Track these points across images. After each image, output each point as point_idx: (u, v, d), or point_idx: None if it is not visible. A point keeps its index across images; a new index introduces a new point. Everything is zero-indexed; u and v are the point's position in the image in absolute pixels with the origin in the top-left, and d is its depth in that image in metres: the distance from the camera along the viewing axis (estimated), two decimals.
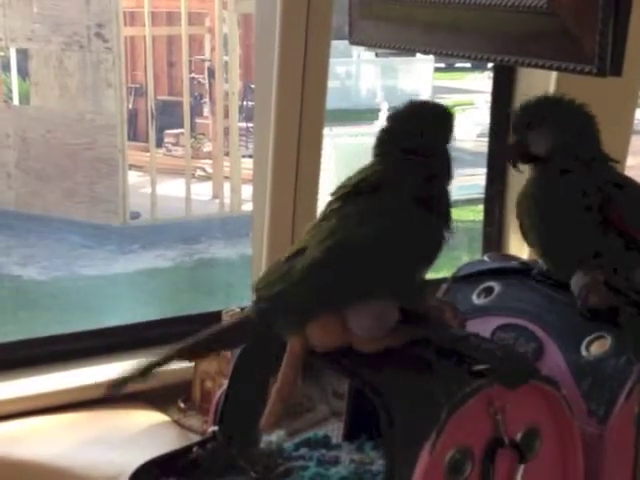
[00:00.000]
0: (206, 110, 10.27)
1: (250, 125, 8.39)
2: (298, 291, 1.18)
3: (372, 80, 13.87)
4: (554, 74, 2.00)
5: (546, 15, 1.11)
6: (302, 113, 2.00)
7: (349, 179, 1.26)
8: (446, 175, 1.27)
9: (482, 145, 2.68)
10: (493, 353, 1.17)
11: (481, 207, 2.47)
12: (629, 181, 1.42)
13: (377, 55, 12.94)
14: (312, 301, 1.19)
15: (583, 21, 1.07)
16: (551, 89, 2.08)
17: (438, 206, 1.24)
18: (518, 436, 1.17)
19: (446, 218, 1.25)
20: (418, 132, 1.24)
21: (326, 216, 1.24)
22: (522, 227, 1.46)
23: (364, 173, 1.25)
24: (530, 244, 1.47)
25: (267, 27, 1.96)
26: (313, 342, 1.20)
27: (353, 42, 1.55)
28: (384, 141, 1.27)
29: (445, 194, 1.26)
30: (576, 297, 1.37)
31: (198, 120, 10.13)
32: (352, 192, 1.23)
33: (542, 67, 1.15)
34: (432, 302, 1.28)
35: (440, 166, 1.26)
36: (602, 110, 1.42)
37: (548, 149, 1.37)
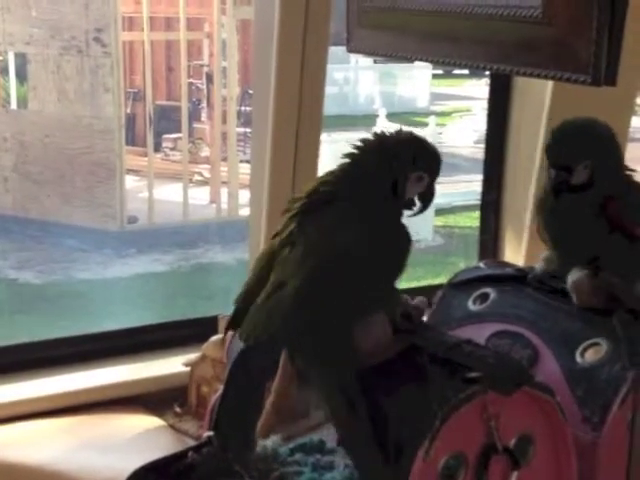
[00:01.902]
0: (204, 115, 10.28)
1: (248, 130, 8.39)
2: (290, 327, 1.17)
3: (370, 86, 13.88)
4: (550, 82, 2.01)
5: (541, 24, 1.11)
6: (299, 119, 2.01)
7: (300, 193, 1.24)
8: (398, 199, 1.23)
9: (479, 152, 2.69)
10: (486, 360, 1.17)
11: (478, 214, 2.47)
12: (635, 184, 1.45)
13: (375, 61, 12.96)
14: (305, 334, 1.17)
15: (578, 31, 1.07)
16: (547, 97, 2.09)
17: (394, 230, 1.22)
18: (512, 442, 1.18)
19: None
20: (386, 156, 1.22)
21: (287, 240, 1.20)
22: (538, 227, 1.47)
23: (314, 183, 1.24)
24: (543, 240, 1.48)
25: (265, 33, 1.97)
26: None
27: (351, 50, 1.56)
28: (344, 161, 1.25)
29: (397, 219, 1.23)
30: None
31: (196, 125, 10.13)
32: (307, 207, 1.21)
33: (537, 76, 1.16)
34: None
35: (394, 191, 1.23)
36: (598, 117, 1.43)
37: (586, 180, 1.39)
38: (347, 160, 1.25)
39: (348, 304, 1.17)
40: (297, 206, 1.22)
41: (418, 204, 1.25)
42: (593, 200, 1.40)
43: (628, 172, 1.45)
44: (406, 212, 1.24)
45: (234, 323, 1.24)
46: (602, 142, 1.40)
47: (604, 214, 1.38)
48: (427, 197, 1.26)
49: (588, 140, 1.39)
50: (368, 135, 1.27)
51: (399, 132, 1.26)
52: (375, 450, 1.13)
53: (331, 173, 1.25)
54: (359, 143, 1.25)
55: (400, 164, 1.22)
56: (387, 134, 1.25)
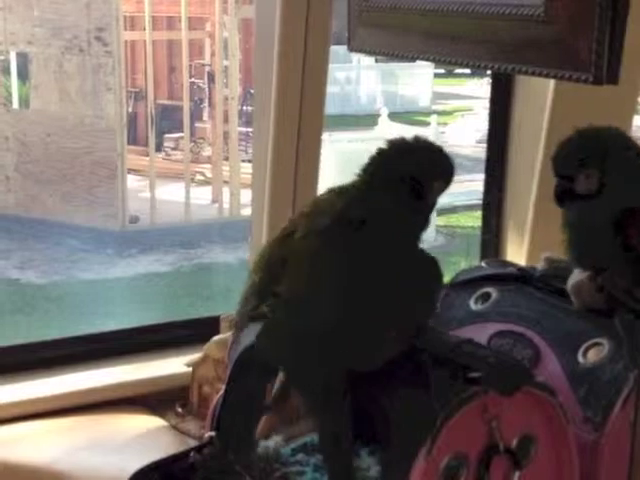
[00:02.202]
0: (206, 114, 10.29)
1: (250, 130, 8.40)
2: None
3: (372, 86, 13.90)
4: (552, 81, 2.00)
5: (543, 23, 1.11)
6: (301, 118, 2.01)
7: (329, 204, 1.20)
8: (422, 224, 1.23)
9: (481, 151, 2.68)
10: (487, 360, 1.17)
11: (480, 213, 2.47)
12: None
13: (377, 61, 12.97)
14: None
15: (579, 29, 1.07)
16: (549, 96, 2.08)
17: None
18: (513, 442, 1.17)
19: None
20: (409, 169, 1.20)
21: (315, 252, 1.17)
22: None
23: (344, 202, 1.19)
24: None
25: (267, 32, 1.97)
26: None
27: (352, 49, 1.56)
28: (373, 166, 1.23)
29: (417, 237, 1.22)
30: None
31: (198, 124, 10.15)
32: (337, 223, 1.17)
33: (539, 75, 1.16)
34: None
35: (419, 213, 1.22)
36: (600, 116, 1.42)
37: (595, 187, 1.37)
38: (371, 171, 1.22)
39: (376, 341, 1.15)
40: (322, 225, 1.18)
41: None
42: (603, 210, 1.37)
43: None
44: None
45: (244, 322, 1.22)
46: (607, 150, 1.38)
47: (621, 229, 1.36)
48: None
49: (590, 148, 1.38)
50: (386, 144, 1.24)
51: (418, 139, 1.25)
52: (346, 454, 1.14)
53: (354, 188, 1.21)
54: (383, 154, 1.23)
55: (423, 174, 1.21)
56: (407, 141, 1.24)
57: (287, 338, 1.15)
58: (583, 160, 1.37)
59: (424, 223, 1.23)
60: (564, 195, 1.39)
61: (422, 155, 1.23)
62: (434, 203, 1.25)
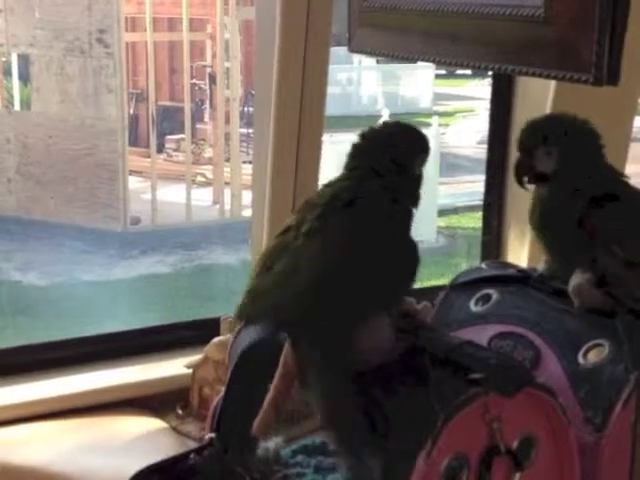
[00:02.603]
0: (207, 116, 10.29)
1: (251, 131, 8.40)
2: (301, 313, 1.17)
3: (373, 87, 13.89)
4: (553, 82, 2.00)
5: (543, 24, 1.11)
6: (301, 119, 2.01)
7: (319, 196, 1.24)
8: (411, 198, 1.26)
9: (482, 152, 2.68)
10: (488, 361, 1.17)
11: (481, 214, 2.47)
12: (626, 193, 1.42)
13: (378, 62, 12.96)
14: (315, 323, 1.17)
15: (580, 30, 1.07)
16: (550, 97, 2.08)
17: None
18: (514, 444, 1.17)
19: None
20: (388, 151, 1.24)
21: (302, 233, 1.20)
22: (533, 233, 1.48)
23: (334, 189, 1.23)
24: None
25: (267, 33, 1.97)
26: None
27: (352, 50, 1.56)
28: (354, 156, 1.27)
29: (409, 216, 1.25)
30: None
31: (199, 126, 10.15)
32: (324, 210, 1.21)
33: (539, 76, 1.16)
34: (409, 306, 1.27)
35: (406, 188, 1.25)
36: (601, 117, 1.43)
37: (554, 168, 1.38)
38: (358, 158, 1.25)
39: (360, 302, 1.17)
40: (316, 211, 1.21)
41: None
42: (560, 194, 1.39)
43: (620, 177, 1.42)
44: None
45: (242, 312, 1.23)
46: (569, 132, 1.38)
47: (584, 221, 1.37)
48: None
49: (552, 127, 1.40)
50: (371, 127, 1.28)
51: (398, 124, 1.29)
52: (365, 450, 1.14)
53: (346, 177, 1.25)
54: (363, 139, 1.27)
55: (406, 154, 1.25)
56: (389, 124, 1.28)
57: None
58: (545, 136, 1.38)
59: (415, 198, 1.27)
60: (522, 170, 1.42)
61: (398, 136, 1.27)
62: (420, 175, 1.28)
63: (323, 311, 1.17)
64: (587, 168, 1.39)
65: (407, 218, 1.24)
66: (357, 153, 1.27)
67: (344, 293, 1.17)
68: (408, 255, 1.21)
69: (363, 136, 1.28)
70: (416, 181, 1.27)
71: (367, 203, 1.20)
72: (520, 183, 1.44)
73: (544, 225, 1.43)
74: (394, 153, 1.24)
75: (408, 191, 1.26)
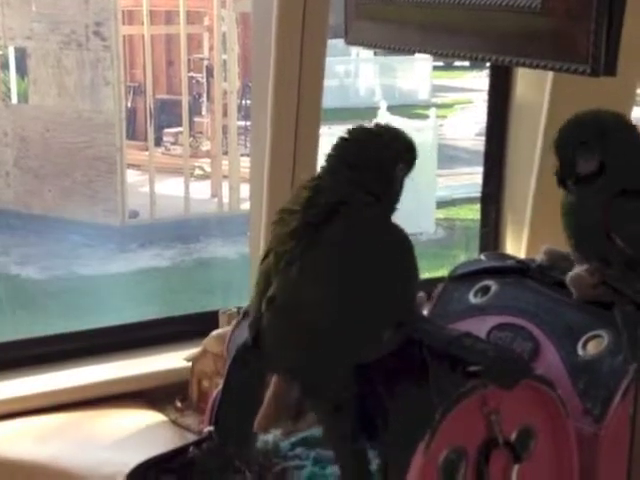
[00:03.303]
0: (204, 109, 10.27)
1: (249, 124, 8.39)
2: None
3: (371, 79, 13.87)
4: (551, 73, 2.00)
5: (540, 15, 1.11)
6: (299, 112, 2.00)
7: (294, 204, 1.20)
8: (390, 199, 1.23)
9: (480, 144, 2.68)
10: (487, 353, 1.17)
11: (479, 206, 2.47)
12: None
13: (376, 54, 12.94)
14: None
15: (577, 21, 1.07)
16: (547, 88, 2.08)
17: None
18: (513, 436, 1.17)
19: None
20: (370, 161, 1.21)
21: (285, 258, 1.16)
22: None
23: (310, 195, 1.20)
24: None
25: (264, 26, 1.96)
26: None
27: (349, 42, 1.55)
28: (333, 158, 1.23)
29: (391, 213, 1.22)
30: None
31: (197, 119, 10.12)
32: (305, 222, 1.17)
33: (536, 67, 1.15)
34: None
35: (385, 189, 1.22)
36: (599, 108, 1.42)
37: (594, 170, 1.38)
38: (336, 158, 1.22)
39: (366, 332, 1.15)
40: (294, 222, 1.18)
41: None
42: (602, 192, 1.38)
43: None
44: None
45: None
46: (606, 130, 1.38)
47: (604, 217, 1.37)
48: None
49: (589, 129, 1.38)
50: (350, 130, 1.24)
51: (380, 126, 1.25)
52: (353, 452, 1.15)
53: (320, 178, 1.22)
54: (346, 142, 1.23)
55: (390, 159, 1.22)
56: (371, 130, 1.24)
57: (288, 343, 1.15)
58: (583, 141, 1.37)
59: (393, 206, 1.23)
60: (565, 176, 1.39)
61: (384, 142, 1.23)
62: (403, 177, 1.24)
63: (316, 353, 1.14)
64: (628, 166, 1.38)
65: (389, 216, 1.21)
66: (338, 156, 1.23)
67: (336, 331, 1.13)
68: (403, 256, 1.18)
69: (346, 139, 1.24)
70: (398, 184, 1.24)
71: (351, 211, 1.16)
72: (563, 186, 1.42)
73: (575, 220, 1.42)
74: (376, 163, 1.21)
75: (389, 192, 1.22)
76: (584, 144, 1.37)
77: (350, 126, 1.25)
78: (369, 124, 1.26)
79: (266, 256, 1.20)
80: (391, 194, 1.23)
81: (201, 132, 10.03)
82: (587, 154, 1.37)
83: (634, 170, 1.39)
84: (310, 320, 1.13)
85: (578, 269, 1.41)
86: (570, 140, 1.39)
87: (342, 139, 1.24)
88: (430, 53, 1.39)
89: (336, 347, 1.13)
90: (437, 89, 13.98)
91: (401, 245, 1.18)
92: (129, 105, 9.90)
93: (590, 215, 1.38)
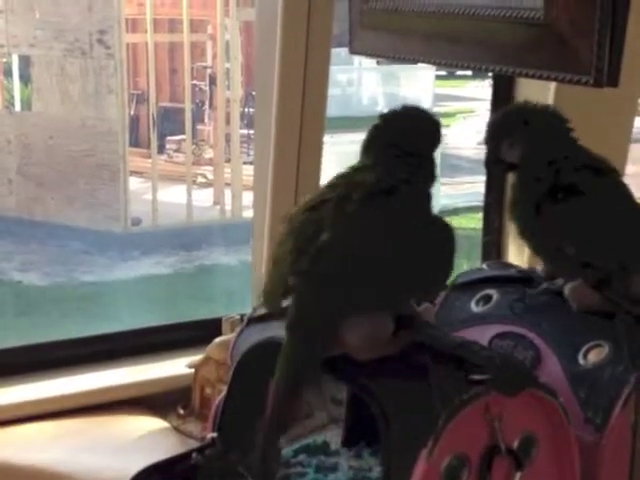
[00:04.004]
0: (207, 117, 10.29)
1: (252, 132, 8.39)
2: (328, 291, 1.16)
3: (373, 88, 13.88)
4: (553, 83, 2.00)
5: (542, 26, 1.12)
6: (302, 120, 2.01)
7: (357, 177, 1.22)
8: (432, 179, 1.28)
9: (482, 153, 2.68)
10: (491, 360, 1.17)
11: (481, 215, 2.47)
12: (593, 187, 1.41)
13: (378, 63, 12.96)
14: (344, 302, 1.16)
15: (579, 32, 1.08)
16: (550, 97, 2.09)
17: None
18: (515, 443, 1.17)
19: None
20: (411, 134, 1.25)
21: (345, 216, 1.18)
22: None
23: (368, 174, 1.22)
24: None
25: (268, 34, 1.97)
26: None
27: (353, 52, 1.56)
28: (375, 138, 1.27)
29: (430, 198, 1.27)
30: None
31: (199, 127, 10.15)
32: (367, 194, 1.19)
33: (539, 78, 1.16)
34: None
35: (428, 169, 1.27)
36: (601, 118, 1.44)
37: (519, 157, 1.41)
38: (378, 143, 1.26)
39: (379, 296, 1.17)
40: (358, 194, 1.20)
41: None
42: (522, 183, 1.41)
43: (596, 162, 1.40)
44: None
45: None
46: (529, 121, 1.40)
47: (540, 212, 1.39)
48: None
49: (512, 118, 1.42)
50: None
51: (412, 109, 1.29)
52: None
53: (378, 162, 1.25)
54: (379, 132, 1.27)
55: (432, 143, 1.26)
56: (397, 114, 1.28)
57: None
58: (507, 129, 1.41)
59: (433, 180, 1.27)
60: (490, 163, 1.47)
61: (415, 130, 1.26)
62: (434, 158, 1.28)
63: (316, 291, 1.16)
64: (551, 155, 1.38)
65: (429, 200, 1.26)
66: (378, 139, 1.27)
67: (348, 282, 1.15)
68: (445, 241, 1.22)
69: (384, 121, 1.28)
70: (433, 164, 1.28)
71: (406, 192, 1.20)
72: (490, 174, 1.48)
73: (512, 214, 1.46)
74: (414, 143, 1.25)
75: (427, 175, 1.27)
76: (508, 130, 1.40)
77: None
78: (397, 109, 1.29)
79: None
80: (428, 172, 1.27)
81: (204, 140, 10.05)
82: (510, 141, 1.40)
83: (559, 163, 1.39)
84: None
85: (574, 281, 1.41)
86: (494, 130, 1.43)
87: (376, 127, 1.28)
88: (433, 63, 1.40)
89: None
90: (440, 98, 13.99)
91: (451, 231, 1.23)
92: (132, 113, 9.93)
93: (527, 214, 1.40)
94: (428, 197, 1.25)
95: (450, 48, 1.29)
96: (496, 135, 1.43)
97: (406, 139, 1.25)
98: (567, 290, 1.41)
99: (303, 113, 2.00)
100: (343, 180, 1.24)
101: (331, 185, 1.24)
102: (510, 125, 1.41)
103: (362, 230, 1.17)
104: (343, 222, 1.17)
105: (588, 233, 1.37)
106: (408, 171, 1.22)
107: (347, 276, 1.15)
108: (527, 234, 1.43)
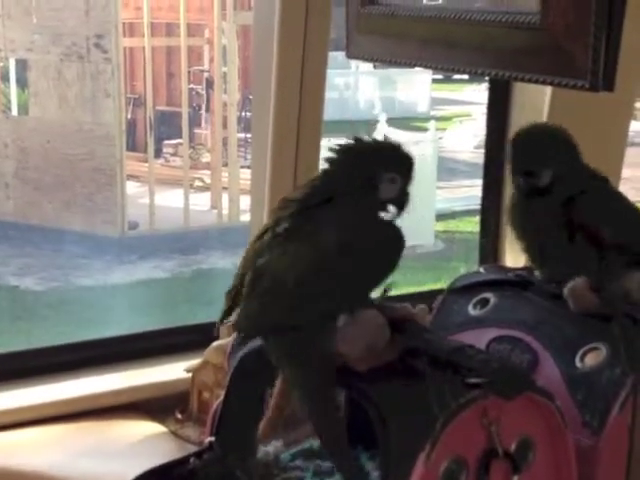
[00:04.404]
0: (204, 121, 10.30)
1: (249, 136, 8.40)
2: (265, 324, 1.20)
3: (370, 91, 13.90)
4: (549, 87, 2.01)
5: (538, 30, 1.12)
6: (300, 124, 2.01)
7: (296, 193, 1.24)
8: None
9: (480, 156, 2.69)
10: (488, 364, 1.17)
11: (478, 218, 2.48)
12: (602, 187, 1.44)
13: (375, 67, 12.98)
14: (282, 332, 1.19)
15: (575, 36, 1.08)
16: (546, 102, 2.09)
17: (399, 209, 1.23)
18: (512, 447, 1.18)
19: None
20: (363, 160, 1.23)
21: (274, 235, 1.21)
22: (515, 235, 1.50)
23: (310, 185, 1.24)
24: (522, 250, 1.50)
25: (265, 38, 1.97)
26: None
27: (350, 56, 1.57)
28: (330, 165, 1.25)
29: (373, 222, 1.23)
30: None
31: (197, 131, 10.15)
32: (302, 207, 1.21)
33: (535, 82, 1.17)
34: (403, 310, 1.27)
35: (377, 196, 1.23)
36: (597, 122, 1.44)
37: (546, 183, 1.40)
38: (328, 164, 1.26)
39: (327, 302, 1.18)
40: (288, 210, 1.22)
41: (392, 208, 1.24)
42: (553, 204, 1.41)
43: (591, 174, 1.44)
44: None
45: (225, 315, 1.26)
46: (561, 146, 1.42)
47: (566, 218, 1.40)
48: (401, 201, 1.24)
49: (548, 144, 1.42)
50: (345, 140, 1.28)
51: (374, 138, 1.27)
52: (349, 452, 1.18)
53: (313, 179, 1.26)
54: (337, 148, 1.26)
55: (373, 165, 1.23)
56: (363, 138, 1.26)
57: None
58: (545, 155, 1.40)
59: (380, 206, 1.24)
60: (532, 192, 1.43)
61: (372, 149, 1.25)
62: (394, 197, 1.24)
63: (287, 320, 1.18)
64: (577, 176, 1.42)
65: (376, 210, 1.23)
66: (335, 160, 1.25)
67: (311, 297, 1.17)
68: (389, 241, 1.20)
69: (345, 144, 1.25)
70: (384, 201, 1.24)
71: (346, 199, 1.20)
72: (527, 204, 1.45)
73: (525, 228, 1.46)
74: (365, 166, 1.22)
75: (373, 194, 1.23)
76: (547, 158, 1.40)
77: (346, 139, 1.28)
78: (363, 137, 1.27)
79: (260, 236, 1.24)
80: (379, 203, 1.24)
81: (201, 144, 10.05)
82: (547, 169, 1.40)
83: (580, 182, 1.41)
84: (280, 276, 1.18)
85: (574, 281, 1.42)
86: (535, 155, 1.42)
87: (336, 150, 1.26)
88: (430, 67, 1.41)
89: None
90: (436, 102, 14.02)
91: (389, 233, 1.21)
92: (129, 117, 9.93)
93: (550, 223, 1.41)
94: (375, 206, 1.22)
95: (447, 53, 1.29)
96: (538, 162, 1.41)
97: (355, 161, 1.23)
98: (566, 291, 1.41)
99: (300, 117, 2.01)
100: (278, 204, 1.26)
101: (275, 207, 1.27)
102: (548, 152, 1.41)
103: (289, 248, 1.18)
104: (275, 244, 1.20)
105: (621, 216, 1.42)
106: (348, 184, 1.21)
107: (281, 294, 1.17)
108: (558, 249, 1.43)
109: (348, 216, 1.20)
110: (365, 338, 1.17)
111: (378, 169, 1.22)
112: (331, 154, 1.25)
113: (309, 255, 1.17)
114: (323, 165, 1.27)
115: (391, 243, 1.21)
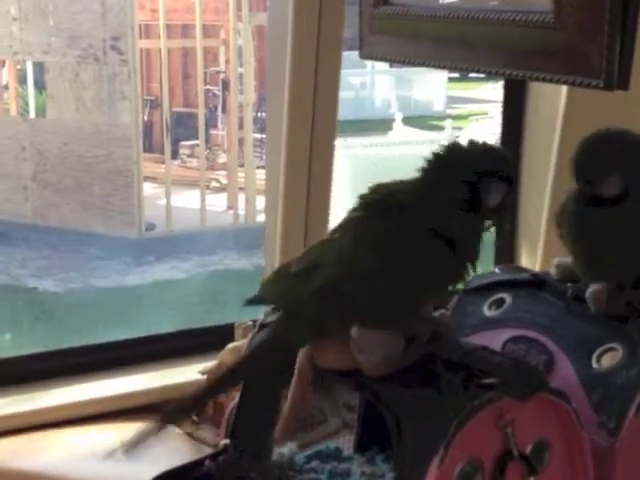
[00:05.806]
0: (221, 122, 10.32)
1: (265, 136, 8.41)
2: (315, 304, 1.17)
3: (386, 91, 13.90)
4: (564, 86, 2.00)
5: (553, 29, 1.12)
6: (314, 124, 2.01)
7: (382, 187, 1.21)
8: (481, 212, 1.21)
9: None
10: (503, 365, 1.17)
11: None
12: None
13: (391, 66, 12.96)
14: (327, 315, 1.17)
15: (590, 35, 1.07)
16: (562, 100, 2.08)
17: (464, 241, 1.20)
18: (528, 449, 1.17)
19: (468, 255, 1.21)
20: (473, 168, 1.17)
21: (345, 226, 1.20)
22: (562, 237, 1.45)
23: (396, 187, 1.20)
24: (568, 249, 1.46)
25: (279, 39, 1.98)
26: (321, 365, 1.21)
27: (363, 56, 1.56)
28: (434, 166, 1.20)
29: (476, 231, 1.22)
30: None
31: (213, 132, 10.18)
32: (377, 204, 1.18)
33: (550, 81, 1.16)
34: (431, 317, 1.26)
35: (476, 204, 1.20)
36: (613, 121, 1.42)
37: (619, 192, 1.34)
38: (425, 169, 1.21)
39: (368, 312, 1.16)
40: (368, 199, 1.19)
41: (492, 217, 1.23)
42: (628, 214, 1.35)
43: None
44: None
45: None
46: (633, 152, 1.35)
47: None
48: (502, 209, 1.22)
49: (615, 151, 1.35)
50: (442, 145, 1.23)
51: (473, 143, 1.22)
52: None
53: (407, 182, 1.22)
54: (437, 152, 1.21)
55: (479, 173, 1.18)
56: (462, 144, 1.21)
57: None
58: (608, 162, 1.34)
59: (481, 226, 1.23)
60: (591, 200, 1.36)
61: (476, 156, 1.20)
62: (497, 206, 1.22)
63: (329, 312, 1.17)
64: None
65: (471, 234, 1.22)
66: (434, 164, 1.20)
67: (356, 299, 1.16)
68: (440, 272, 1.18)
69: (446, 148, 1.21)
70: (490, 211, 1.22)
71: (423, 211, 1.16)
72: (588, 212, 1.39)
73: (591, 238, 1.38)
74: (467, 173, 1.17)
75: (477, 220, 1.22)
76: (611, 166, 1.35)
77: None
78: (462, 141, 1.22)
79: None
80: (483, 214, 1.23)
81: (217, 145, 10.07)
82: (613, 177, 1.35)
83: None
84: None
85: (598, 285, 1.40)
86: (596, 162, 1.34)
87: (436, 154, 1.21)
88: (443, 67, 1.40)
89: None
90: (452, 100, 13.99)
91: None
92: (146, 118, 9.97)
93: (618, 235, 1.35)
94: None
95: (460, 52, 1.29)
96: (597, 172, 1.33)
97: (455, 168, 1.19)
98: (589, 293, 1.40)
99: (314, 117, 2.01)
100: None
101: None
102: (613, 159, 1.33)
103: (357, 243, 1.17)
104: (348, 235, 1.18)
105: None
106: (436, 196, 1.17)
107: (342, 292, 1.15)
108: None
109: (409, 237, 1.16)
110: (382, 348, 1.17)
111: (482, 178, 1.18)
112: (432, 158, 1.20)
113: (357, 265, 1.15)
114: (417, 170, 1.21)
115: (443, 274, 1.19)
